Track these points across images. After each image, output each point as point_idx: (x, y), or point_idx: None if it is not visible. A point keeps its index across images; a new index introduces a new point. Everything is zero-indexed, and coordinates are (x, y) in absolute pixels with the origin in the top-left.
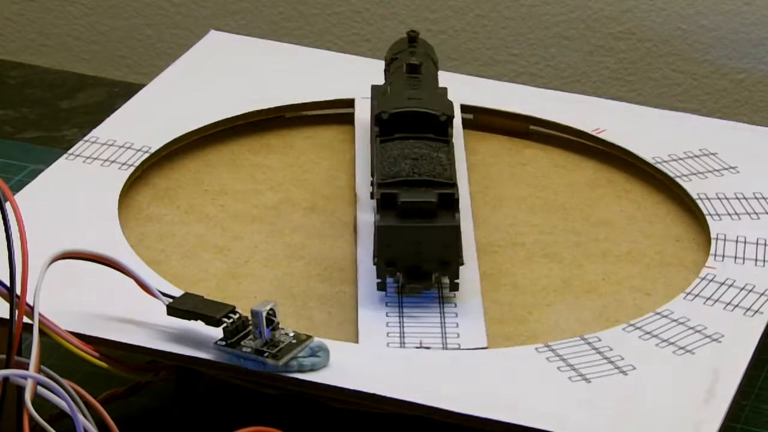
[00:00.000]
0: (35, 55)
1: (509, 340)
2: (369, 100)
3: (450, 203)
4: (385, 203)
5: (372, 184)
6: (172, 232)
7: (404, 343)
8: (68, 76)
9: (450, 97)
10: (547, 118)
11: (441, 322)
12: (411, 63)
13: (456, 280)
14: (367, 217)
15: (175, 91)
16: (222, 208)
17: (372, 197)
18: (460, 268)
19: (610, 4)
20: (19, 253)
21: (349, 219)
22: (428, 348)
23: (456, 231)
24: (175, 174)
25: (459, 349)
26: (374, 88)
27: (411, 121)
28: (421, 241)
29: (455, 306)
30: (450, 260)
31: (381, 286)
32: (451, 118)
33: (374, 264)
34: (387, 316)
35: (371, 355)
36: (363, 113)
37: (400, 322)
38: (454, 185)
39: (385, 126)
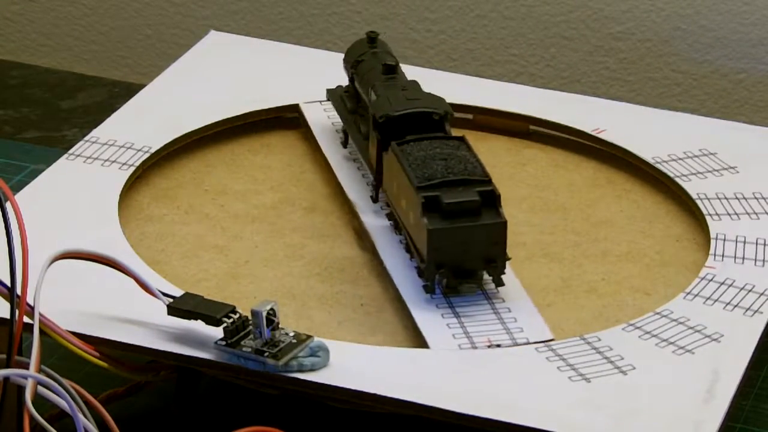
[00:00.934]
0: (35, 55)
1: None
2: (318, 104)
3: (492, 200)
4: (429, 206)
5: (376, 188)
6: (172, 232)
7: (474, 343)
8: (68, 76)
9: (450, 97)
10: (547, 118)
11: (499, 319)
12: (387, 64)
13: (502, 276)
14: (374, 221)
15: (175, 91)
16: (222, 208)
17: (374, 201)
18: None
19: (610, 4)
20: (20, 253)
21: (349, 219)
22: (499, 346)
23: (504, 227)
24: (175, 174)
25: (528, 343)
26: (331, 92)
27: (411, 122)
28: (468, 240)
29: (503, 302)
30: (496, 257)
31: (430, 289)
32: (451, 115)
33: (423, 267)
34: (443, 317)
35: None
36: (317, 117)
37: (460, 323)
38: (491, 181)
39: (387, 129)
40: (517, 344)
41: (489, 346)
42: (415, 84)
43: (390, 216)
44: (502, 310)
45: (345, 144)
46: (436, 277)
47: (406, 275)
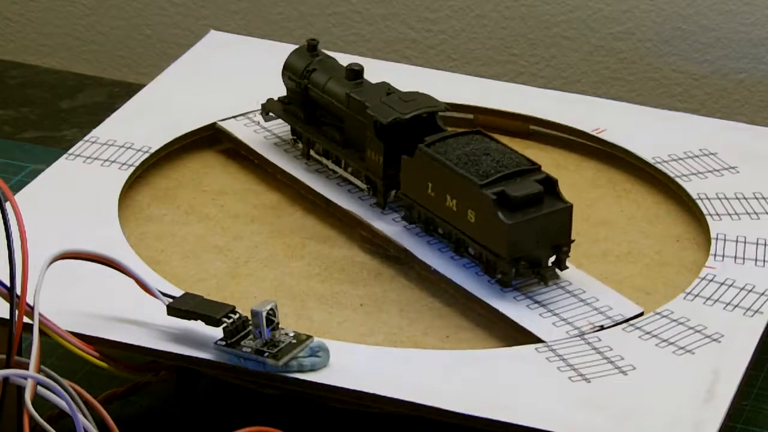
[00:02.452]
0: (35, 55)
1: (509, 340)
2: (233, 121)
3: (552, 186)
4: (500, 202)
5: (385, 195)
6: (172, 232)
7: (578, 328)
8: (68, 76)
9: (450, 97)
10: (547, 118)
11: (583, 302)
12: (353, 69)
13: (567, 259)
14: (388, 227)
15: (175, 91)
16: (222, 208)
17: (382, 207)
18: None
19: (610, 4)
20: (19, 253)
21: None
22: (602, 327)
23: (570, 211)
24: (175, 174)
25: (623, 321)
26: (269, 105)
27: (416, 124)
28: (539, 229)
29: (570, 284)
30: (562, 241)
31: (506, 284)
32: (447, 109)
33: (498, 262)
34: (530, 309)
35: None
36: (244, 132)
37: (551, 312)
38: (541, 168)
39: (394, 133)
40: (616, 323)
41: (594, 330)
42: (389, 85)
43: (408, 218)
44: (578, 293)
45: (307, 155)
46: (514, 271)
47: (463, 274)
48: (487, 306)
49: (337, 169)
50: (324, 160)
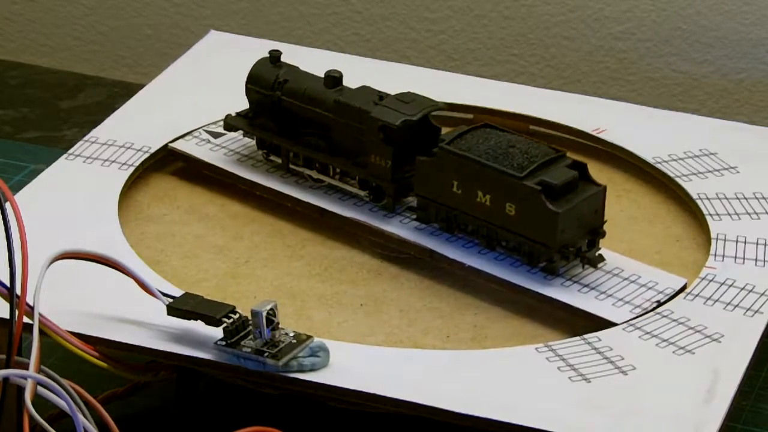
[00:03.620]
0: (35, 55)
1: (509, 340)
2: (183, 141)
3: (584, 171)
4: (546, 192)
5: (395, 198)
6: (172, 232)
7: (638, 306)
8: (68, 76)
9: (450, 97)
10: (547, 118)
11: (627, 280)
12: (332, 75)
13: (600, 240)
14: (402, 230)
15: (175, 91)
16: (222, 208)
17: (391, 210)
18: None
19: (610, 4)
20: (19, 253)
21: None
22: (659, 302)
23: (605, 192)
24: (175, 174)
25: (674, 294)
26: (233, 121)
27: (419, 125)
28: (580, 214)
29: (606, 263)
30: (597, 224)
31: (554, 271)
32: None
33: (545, 251)
34: (583, 294)
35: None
36: (201, 152)
37: (606, 294)
38: (566, 154)
39: (401, 136)
40: (669, 298)
41: (653, 306)
42: (371, 88)
43: (422, 219)
44: (618, 272)
45: (287, 167)
46: (561, 258)
47: (500, 267)
48: (538, 295)
49: (323, 177)
50: (307, 171)
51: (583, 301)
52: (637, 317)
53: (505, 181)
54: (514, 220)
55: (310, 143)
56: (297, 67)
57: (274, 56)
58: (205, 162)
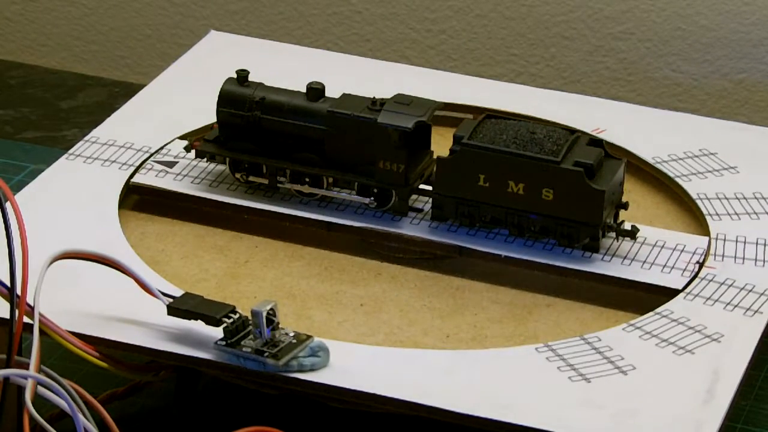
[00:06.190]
0: (35, 55)
1: (509, 340)
2: (142, 175)
3: (602, 146)
4: (587, 174)
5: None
6: (172, 232)
7: (686, 270)
8: (68, 76)
9: (450, 97)
10: (547, 118)
11: (657, 247)
12: (315, 88)
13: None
14: (417, 231)
15: (175, 91)
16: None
17: (405, 214)
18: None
19: (610, 4)
20: (19, 253)
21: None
22: (699, 263)
23: (625, 165)
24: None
25: (704, 255)
26: (208, 144)
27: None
28: (613, 190)
29: (640, 232)
30: (621, 197)
31: (597, 248)
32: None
33: (585, 230)
34: (627, 266)
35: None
36: (165, 183)
37: (650, 264)
38: (582, 133)
39: (411, 139)
40: (703, 257)
41: (698, 269)
42: (355, 96)
43: (438, 217)
44: (646, 241)
45: (275, 186)
46: (600, 237)
47: (535, 253)
48: (587, 274)
49: (316, 191)
50: (296, 187)
51: (630, 273)
52: (689, 282)
53: (543, 168)
54: (552, 204)
55: (297, 159)
56: (267, 85)
57: (242, 76)
58: (179, 193)
